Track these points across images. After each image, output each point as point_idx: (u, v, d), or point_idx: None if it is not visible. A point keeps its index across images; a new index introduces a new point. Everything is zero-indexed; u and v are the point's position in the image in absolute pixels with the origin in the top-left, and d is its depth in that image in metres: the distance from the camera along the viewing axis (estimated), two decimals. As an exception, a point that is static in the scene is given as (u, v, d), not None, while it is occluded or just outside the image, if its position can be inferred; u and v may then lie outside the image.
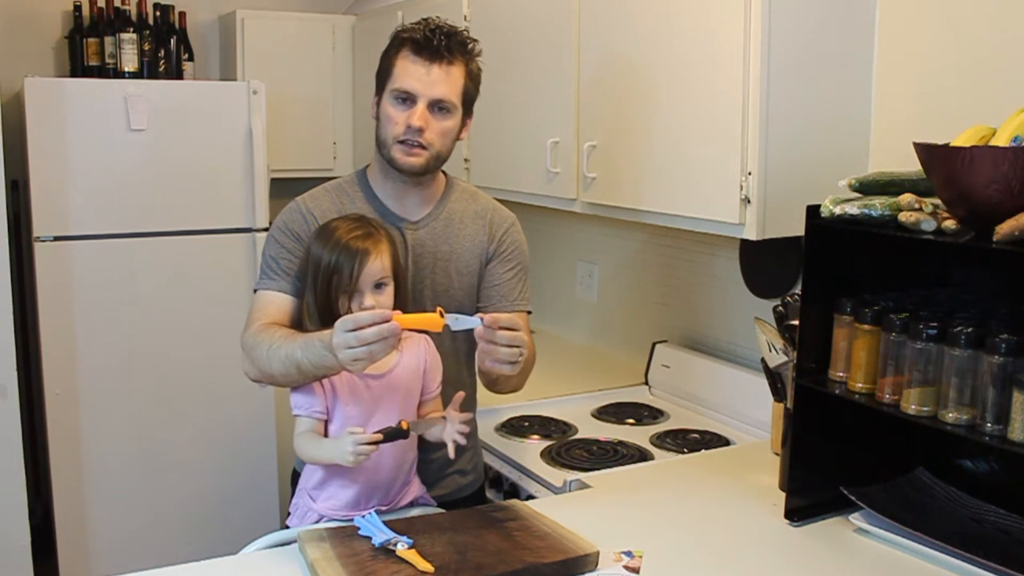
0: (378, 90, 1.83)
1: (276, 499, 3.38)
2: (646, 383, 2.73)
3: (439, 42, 1.76)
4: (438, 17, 1.82)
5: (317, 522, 1.72)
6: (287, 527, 1.75)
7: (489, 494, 2.15)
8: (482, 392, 2.04)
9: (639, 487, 1.95)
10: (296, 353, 1.64)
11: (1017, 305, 1.60)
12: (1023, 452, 1.40)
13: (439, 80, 1.77)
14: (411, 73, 1.76)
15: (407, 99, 1.78)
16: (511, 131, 2.65)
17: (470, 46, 1.83)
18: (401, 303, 1.72)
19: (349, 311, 1.66)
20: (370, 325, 1.52)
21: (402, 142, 1.78)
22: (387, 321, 1.54)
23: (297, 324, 1.78)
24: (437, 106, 1.78)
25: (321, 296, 1.69)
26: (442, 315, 1.59)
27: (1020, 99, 1.55)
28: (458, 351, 1.93)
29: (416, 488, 1.81)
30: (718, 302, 2.62)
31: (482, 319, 1.60)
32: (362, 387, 1.71)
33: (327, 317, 1.67)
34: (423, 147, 1.79)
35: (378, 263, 1.68)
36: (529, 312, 1.95)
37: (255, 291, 1.84)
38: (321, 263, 1.68)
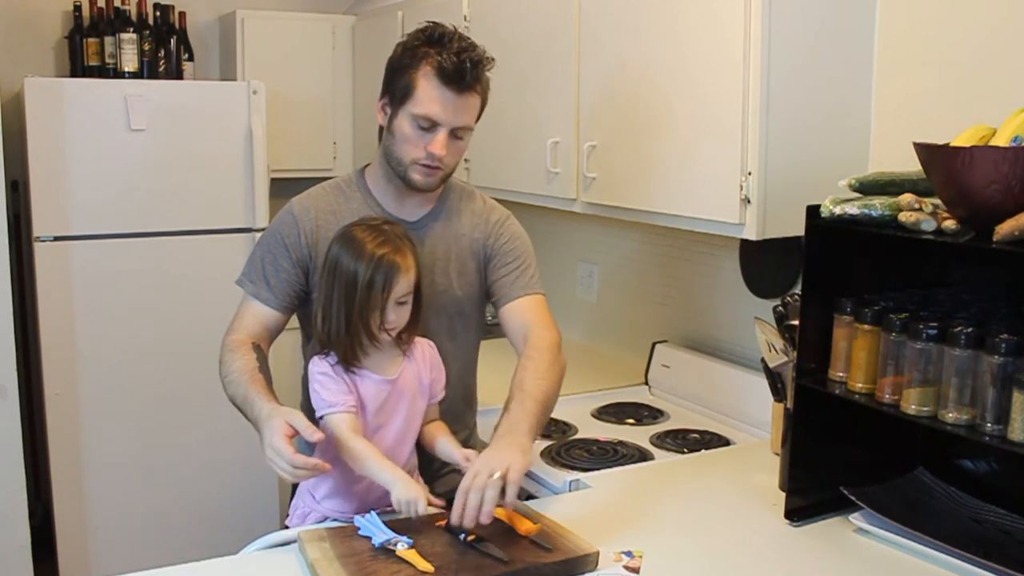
0: (392, 99, 1.80)
1: (276, 499, 3.39)
2: (646, 383, 2.73)
3: (468, 74, 1.74)
4: (455, 29, 1.79)
5: (318, 522, 1.72)
6: (287, 527, 1.75)
7: (489, 494, 2.14)
8: (482, 392, 2.04)
9: (639, 487, 1.95)
10: (237, 399, 1.73)
11: (1017, 305, 1.60)
12: (1023, 452, 1.40)
13: (463, 109, 1.77)
14: (436, 101, 1.74)
15: (430, 126, 1.77)
16: (511, 131, 2.65)
17: (489, 68, 1.81)
18: (414, 314, 1.73)
19: (381, 324, 1.67)
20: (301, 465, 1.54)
21: (421, 165, 1.79)
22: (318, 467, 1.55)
23: (274, 333, 1.85)
24: (456, 132, 1.79)
25: (359, 308, 1.66)
26: None
27: (1020, 99, 1.55)
28: (466, 356, 1.94)
29: None
30: (718, 302, 2.62)
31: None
32: (381, 392, 1.71)
33: (350, 324, 1.66)
34: (439, 168, 1.81)
35: (405, 281, 1.67)
36: (543, 294, 1.91)
37: (237, 284, 1.88)
38: (356, 277, 1.65)
